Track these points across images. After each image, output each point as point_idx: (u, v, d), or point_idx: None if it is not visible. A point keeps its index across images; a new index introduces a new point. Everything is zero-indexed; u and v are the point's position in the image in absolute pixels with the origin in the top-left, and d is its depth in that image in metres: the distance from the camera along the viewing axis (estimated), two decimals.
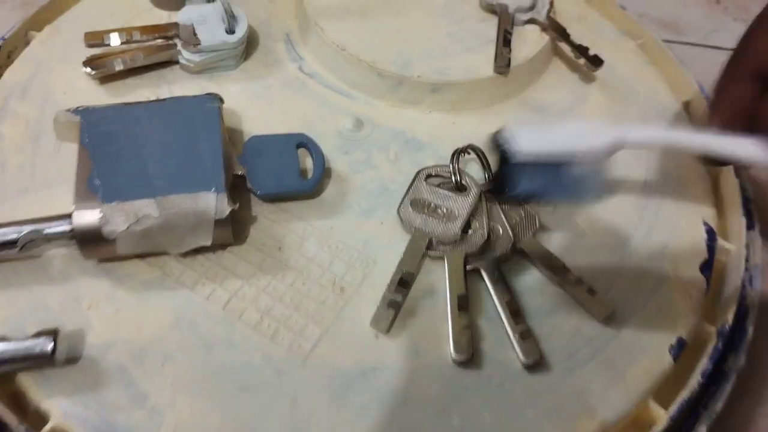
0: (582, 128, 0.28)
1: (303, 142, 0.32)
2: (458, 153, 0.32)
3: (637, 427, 0.27)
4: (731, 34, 0.47)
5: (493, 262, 0.29)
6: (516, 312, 0.28)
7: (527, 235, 0.30)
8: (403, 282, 0.28)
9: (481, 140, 0.35)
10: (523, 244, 0.30)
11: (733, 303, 0.30)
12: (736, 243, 0.33)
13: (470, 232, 0.30)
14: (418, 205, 0.30)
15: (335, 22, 0.37)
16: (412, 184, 0.32)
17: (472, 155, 0.33)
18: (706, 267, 0.32)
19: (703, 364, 0.28)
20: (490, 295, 0.28)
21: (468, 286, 0.28)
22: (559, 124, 0.27)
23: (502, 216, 0.31)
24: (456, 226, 0.30)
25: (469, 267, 0.29)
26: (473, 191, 0.31)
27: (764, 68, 0.26)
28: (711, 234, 0.33)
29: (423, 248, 0.29)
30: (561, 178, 0.27)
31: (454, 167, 0.32)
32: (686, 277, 0.31)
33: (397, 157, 0.34)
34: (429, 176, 0.32)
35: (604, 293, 0.29)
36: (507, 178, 0.28)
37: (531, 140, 0.27)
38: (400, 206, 0.31)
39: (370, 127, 0.35)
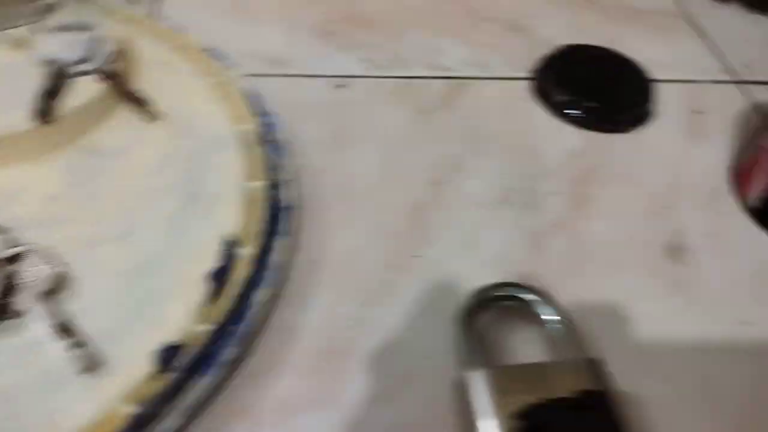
0: None
1: None
2: None
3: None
4: (335, 63, 0.53)
5: None
6: None
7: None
8: None
9: (29, 187, 0.37)
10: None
11: (227, 302, 0.34)
12: (252, 249, 0.37)
13: None
14: None
15: None
16: None
17: None
18: (217, 275, 0.35)
19: (188, 360, 0.32)
20: None
21: None
22: None
23: None
24: None
25: None
26: None
27: None
28: (229, 246, 0.37)
29: None
30: None
31: None
32: (191, 287, 0.34)
33: None
34: None
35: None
36: None
37: None
38: None
39: None
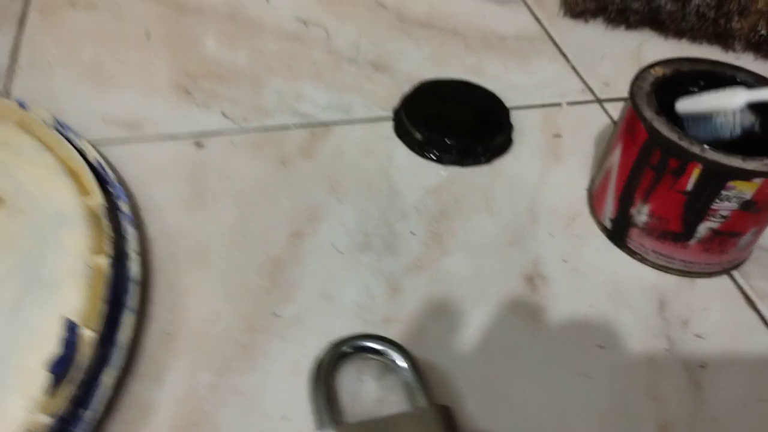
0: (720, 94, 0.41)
1: None
2: None
3: None
4: (192, 121, 0.52)
5: None
6: None
7: None
8: None
9: None
10: None
11: (71, 390, 0.33)
12: (96, 328, 0.36)
13: None
14: None
15: None
16: None
17: None
18: (59, 362, 0.34)
19: None
20: None
21: None
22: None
23: None
24: None
25: None
26: None
27: None
28: (72, 328, 0.36)
29: None
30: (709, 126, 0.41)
31: None
32: (30, 377, 0.33)
33: None
34: None
35: None
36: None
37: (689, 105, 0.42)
38: None
39: None
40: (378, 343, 0.36)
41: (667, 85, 0.44)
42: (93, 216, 0.42)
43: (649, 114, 0.41)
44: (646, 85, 0.44)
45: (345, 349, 0.36)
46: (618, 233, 0.45)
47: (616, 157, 0.44)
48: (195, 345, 0.39)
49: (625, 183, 0.43)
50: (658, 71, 0.45)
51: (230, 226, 0.46)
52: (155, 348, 0.38)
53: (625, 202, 0.44)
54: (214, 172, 0.49)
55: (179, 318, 0.40)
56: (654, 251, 0.44)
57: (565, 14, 0.73)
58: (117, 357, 0.36)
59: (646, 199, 0.42)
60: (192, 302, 0.41)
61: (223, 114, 0.55)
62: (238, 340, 0.39)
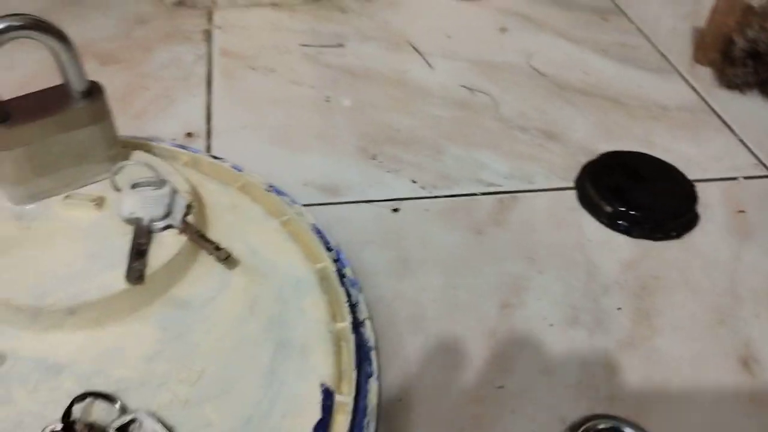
0: None
1: None
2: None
3: None
4: (385, 187, 0.55)
5: None
6: None
7: None
8: None
9: (125, 347, 0.38)
10: None
11: None
12: (349, 395, 0.38)
13: None
14: None
15: None
16: None
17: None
18: (320, 427, 0.36)
19: None
20: None
21: None
22: None
23: None
24: None
25: None
26: None
27: None
28: (327, 394, 0.38)
29: None
30: None
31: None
32: None
33: (36, 387, 0.37)
34: None
35: None
36: None
37: None
38: None
39: (12, 360, 0.38)
40: (624, 425, 0.37)
41: None
42: (326, 281, 0.44)
43: None
44: None
45: (589, 426, 0.37)
46: None
47: None
48: (429, 414, 0.40)
49: None
50: None
51: (438, 293, 0.47)
52: (392, 415, 0.40)
53: None
54: (413, 238, 0.51)
55: (408, 385, 0.42)
56: None
57: (720, 85, 0.73)
58: (368, 423, 0.38)
59: None
60: (417, 370, 0.42)
61: (413, 181, 0.57)
62: (469, 411, 0.40)
